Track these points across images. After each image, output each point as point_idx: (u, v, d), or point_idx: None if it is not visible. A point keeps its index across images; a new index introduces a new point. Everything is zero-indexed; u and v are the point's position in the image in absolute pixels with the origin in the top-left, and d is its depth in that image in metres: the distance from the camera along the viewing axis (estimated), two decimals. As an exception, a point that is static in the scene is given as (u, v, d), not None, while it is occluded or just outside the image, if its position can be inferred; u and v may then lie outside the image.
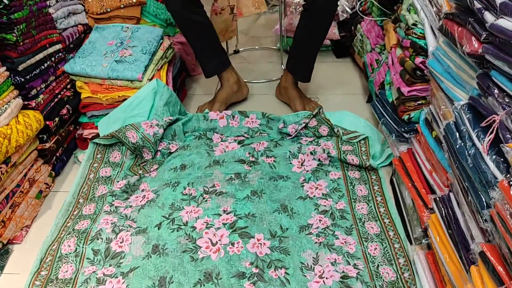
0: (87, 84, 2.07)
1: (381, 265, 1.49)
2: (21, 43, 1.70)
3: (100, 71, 2.02)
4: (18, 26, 1.67)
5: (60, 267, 1.49)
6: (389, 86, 2.02)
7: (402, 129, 1.78)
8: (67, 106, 2.00)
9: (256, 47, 3.23)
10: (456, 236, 1.22)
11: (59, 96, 1.97)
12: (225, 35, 2.81)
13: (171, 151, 2.01)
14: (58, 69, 2.00)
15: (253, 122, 2.19)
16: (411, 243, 1.56)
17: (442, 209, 1.34)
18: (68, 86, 2.06)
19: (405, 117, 1.76)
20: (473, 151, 1.11)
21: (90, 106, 2.06)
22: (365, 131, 2.11)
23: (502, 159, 0.99)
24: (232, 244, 1.55)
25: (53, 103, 1.90)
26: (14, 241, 1.62)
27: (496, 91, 1.07)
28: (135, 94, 2.03)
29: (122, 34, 2.26)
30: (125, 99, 2.04)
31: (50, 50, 1.91)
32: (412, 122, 1.75)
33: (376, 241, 1.58)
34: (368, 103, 2.42)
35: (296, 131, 2.09)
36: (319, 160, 1.94)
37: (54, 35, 1.96)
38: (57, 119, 1.90)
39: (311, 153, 1.97)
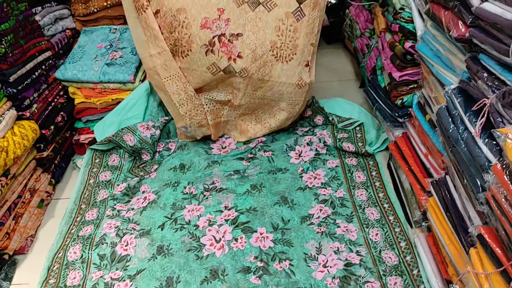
0: (79, 90, 2.06)
1: (383, 250, 1.51)
2: (10, 54, 1.70)
3: (92, 76, 2.01)
4: (5, 38, 1.66)
5: (67, 275, 1.51)
6: (380, 71, 2.02)
7: (396, 114, 1.79)
8: (62, 113, 2.00)
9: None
10: (454, 218, 1.24)
11: (53, 103, 1.97)
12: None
13: (171, 149, 2.02)
14: (50, 77, 2.00)
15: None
16: (411, 226, 1.59)
17: (440, 192, 1.36)
18: (61, 93, 2.06)
19: (398, 101, 1.77)
20: (466, 134, 1.12)
21: (85, 111, 2.06)
22: (360, 117, 2.13)
23: (494, 142, 1.00)
24: (236, 239, 1.57)
25: (47, 111, 1.90)
26: (20, 252, 1.64)
27: (485, 74, 1.08)
28: (128, 96, 2.03)
29: (111, 36, 2.25)
30: (119, 102, 2.04)
31: (40, 58, 1.91)
32: (406, 106, 1.76)
33: (377, 227, 1.60)
34: (361, 88, 2.43)
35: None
36: (316, 150, 1.96)
37: (43, 43, 1.95)
38: (52, 127, 1.90)
39: (307, 144, 1.98)
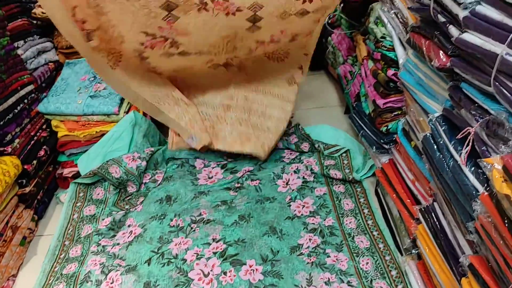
0: (63, 123, 2.04)
1: (374, 279, 1.50)
2: (-8, 90, 1.68)
3: (75, 108, 1.99)
4: (-13, 73, 1.65)
5: (51, 316, 1.46)
6: (364, 98, 2.04)
7: (382, 141, 1.80)
8: (44, 147, 1.96)
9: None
10: (444, 246, 1.24)
11: (35, 138, 1.93)
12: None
13: (158, 181, 1.99)
14: (32, 111, 1.97)
15: (234, 144, 2.19)
16: (401, 254, 1.57)
17: (428, 219, 1.36)
18: (44, 127, 2.03)
19: (383, 128, 1.78)
20: (452, 163, 1.13)
21: (68, 144, 2.03)
22: (346, 143, 2.13)
23: (481, 171, 1.00)
24: (225, 273, 1.54)
25: (29, 146, 1.87)
26: (1, 293, 1.58)
27: (468, 103, 1.09)
28: (113, 128, 2.01)
29: (94, 68, 2.23)
30: (103, 134, 2.02)
31: (22, 92, 1.89)
32: (391, 133, 1.77)
33: (367, 255, 1.59)
34: (346, 114, 2.45)
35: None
36: (303, 177, 1.95)
37: (25, 77, 1.93)
38: (35, 161, 1.86)
39: (294, 171, 1.97)
